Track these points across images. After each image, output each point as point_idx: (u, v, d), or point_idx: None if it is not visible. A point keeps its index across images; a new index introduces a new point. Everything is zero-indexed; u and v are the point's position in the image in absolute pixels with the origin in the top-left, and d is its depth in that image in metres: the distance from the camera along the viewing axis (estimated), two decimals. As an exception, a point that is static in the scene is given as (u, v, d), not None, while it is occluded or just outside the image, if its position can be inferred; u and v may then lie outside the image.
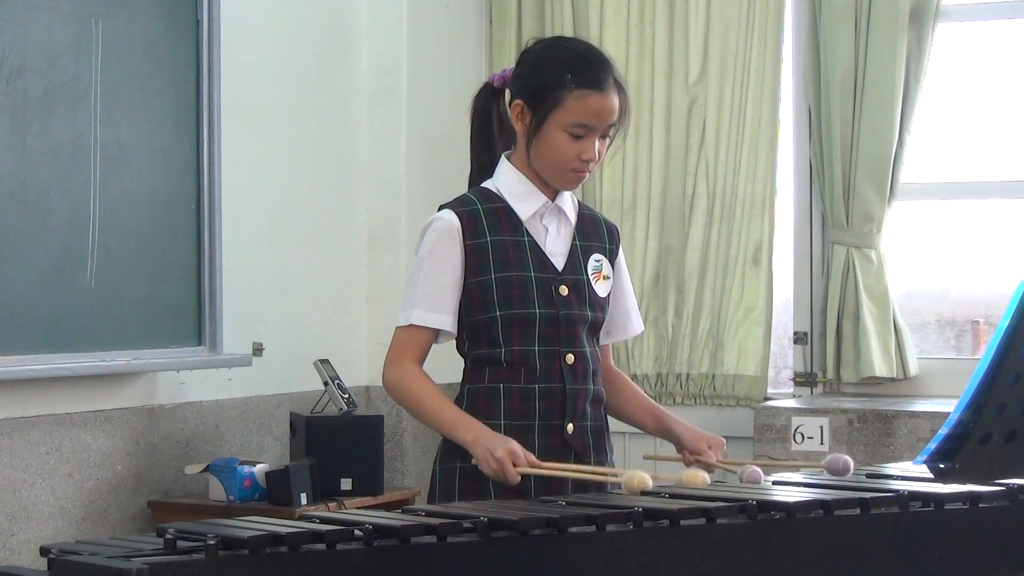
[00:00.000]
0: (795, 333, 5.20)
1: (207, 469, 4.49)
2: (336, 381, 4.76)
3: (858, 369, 4.98)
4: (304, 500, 4.40)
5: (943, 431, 2.37)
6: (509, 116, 2.99)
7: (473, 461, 2.82)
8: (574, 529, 2.29)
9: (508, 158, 3.00)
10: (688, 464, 2.96)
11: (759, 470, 2.75)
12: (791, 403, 4.84)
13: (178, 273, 4.40)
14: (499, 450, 2.76)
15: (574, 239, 3.00)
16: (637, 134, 5.28)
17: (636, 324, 3.15)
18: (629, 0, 5.30)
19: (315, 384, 4.80)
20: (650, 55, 5.27)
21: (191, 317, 4.44)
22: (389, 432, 5.01)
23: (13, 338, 3.96)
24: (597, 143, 2.91)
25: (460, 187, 5.62)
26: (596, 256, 3.03)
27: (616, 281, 3.07)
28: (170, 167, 4.38)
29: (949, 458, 2.38)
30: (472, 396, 2.96)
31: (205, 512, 4.27)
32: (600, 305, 3.01)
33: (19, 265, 3.99)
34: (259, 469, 4.48)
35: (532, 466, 2.77)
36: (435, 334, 2.96)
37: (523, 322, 2.91)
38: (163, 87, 4.37)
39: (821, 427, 4.62)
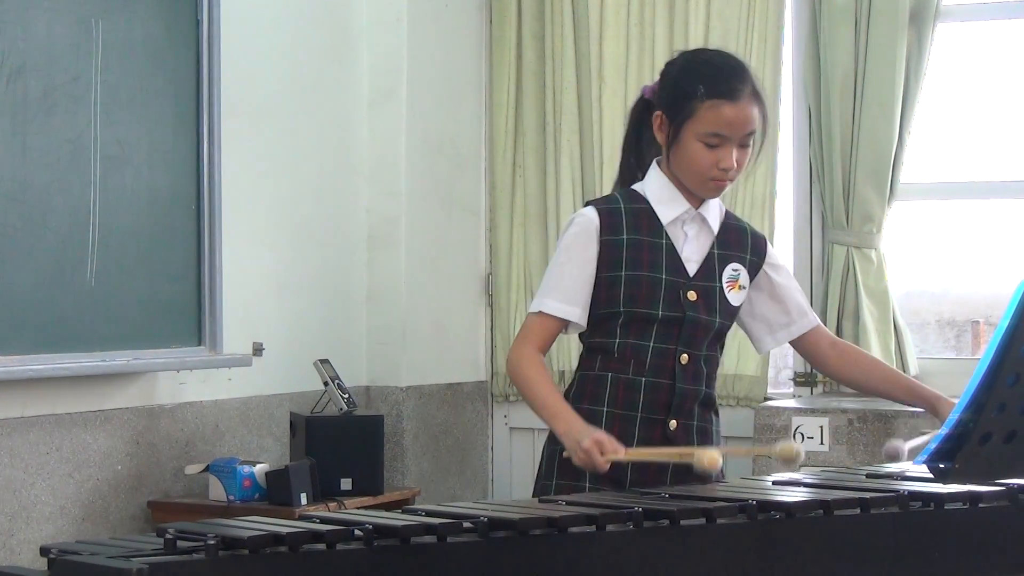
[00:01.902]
0: (795, 333, 5.19)
1: (207, 469, 4.49)
2: (336, 381, 4.77)
3: (858, 369, 4.97)
4: (304, 500, 4.40)
5: (943, 431, 2.38)
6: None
7: (565, 454, 2.90)
8: (574, 529, 2.29)
9: (658, 164, 3.07)
10: None
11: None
12: (791, 403, 4.83)
13: (178, 273, 4.40)
14: (585, 440, 2.82)
15: (713, 247, 3.07)
16: (637, 134, 5.28)
17: (812, 317, 3.20)
18: (629, 0, 5.30)
19: (315, 384, 4.80)
20: (650, 55, 5.27)
21: (191, 317, 4.44)
22: (389, 432, 5.02)
23: (13, 338, 3.96)
24: (736, 152, 2.97)
25: (460, 187, 5.66)
26: (734, 265, 3.09)
27: (774, 284, 3.14)
28: (170, 167, 4.38)
29: (949, 458, 2.38)
30: (582, 382, 3.06)
31: (205, 512, 4.27)
32: (729, 313, 3.08)
33: (19, 265, 3.99)
34: (259, 469, 4.48)
35: (622, 454, 2.83)
36: (564, 324, 3.04)
37: (644, 321, 3.00)
38: (163, 87, 4.37)
39: (821, 427, 4.62)
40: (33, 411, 4.13)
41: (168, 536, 2.05)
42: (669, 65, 3.12)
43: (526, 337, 3.06)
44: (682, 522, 2.36)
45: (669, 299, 3.01)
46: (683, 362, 3.02)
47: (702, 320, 3.03)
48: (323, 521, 2.24)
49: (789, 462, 2.86)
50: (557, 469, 3.04)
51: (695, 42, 5.21)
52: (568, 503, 2.47)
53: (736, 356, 5.15)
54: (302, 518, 2.31)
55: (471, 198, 5.55)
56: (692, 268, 3.04)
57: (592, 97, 5.33)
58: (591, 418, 2.96)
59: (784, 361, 5.29)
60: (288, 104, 4.95)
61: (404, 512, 2.40)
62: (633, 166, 3.14)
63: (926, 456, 2.41)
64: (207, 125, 4.46)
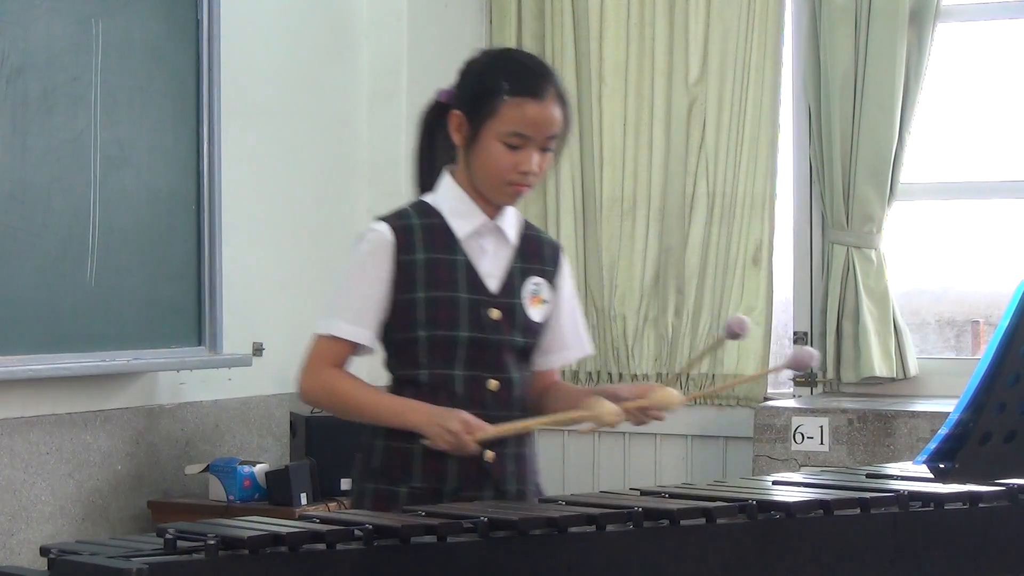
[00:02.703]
0: (795, 333, 5.20)
1: (207, 469, 4.49)
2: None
3: (858, 369, 4.98)
4: (304, 500, 4.41)
5: (943, 431, 2.38)
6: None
7: (426, 441, 2.75)
8: (574, 529, 2.29)
9: (451, 173, 2.90)
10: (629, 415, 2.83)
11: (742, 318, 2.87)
12: (791, 403, 4.83)
13: (178, 273, 4.41)
14: (452, 422, 2.71)
15: (513, 261, 2.90)
16: (637, 134, 5.29)
17: (581, 347, 3.02)
18: (629, 0, 5.30)
19: (315, 384, 4.80)
20: (650, 55, 5.27)
21: (191, 317, 4.44)
22: (389, 432, 5.01)
23: (13, 338, 3.96)
24: (537, 156, 2.81)
25: (460, 187, 5.64)
26: (535, 279, 2.91)
27: (559, 302, 2.95)
28: (170, 167, 4.39)
29: (949, 458, 2.38)
30: None
31: (205, 512, 4.27)
32: (533, 331, 2.90)
33: (19, 265, 3.99)
34: (259, 469, 4.48)
35: (490, 431, 2.73)
36: (354, 347, 2.86)
37: (447, 345, 2.82)
38: (163, 87, 4.37)
39: (821, 427, 4.62)
40: (33, 411, 4.13)
41: (168, 536, 2.05)
42: (470, 63, 2.92)
43: (320, 361, 2.85)
44: (682, 522, 2.36)
45: (471, 319, 2.83)
46: (493, 389, 2.84)
47: (505, 341, 2.85)
48: (323, 521, 2.24)
49: (665, 408, 2.74)
50: (374, 470, 2.86)
51: (695, 42, 5.21)
52: (568, 503, 2.47)
53: (736, 356, 5.16)
54: (302, 518, 2.31)
55: (471, 198, 5.54)
56: (493, 285, 2.86)
57: (592, 97, 5.33)
58: (403, 457, 2.81)
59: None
60: (288, 104, 4.95)
61: (404, 512, 2.40)
62: (426, 176, 2.94)
63: (926, 456, 2.41)
64: (207, 125, 4.46)
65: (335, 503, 4.43)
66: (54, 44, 4.06)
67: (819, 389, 5.13)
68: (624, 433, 5.27)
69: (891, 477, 2.79)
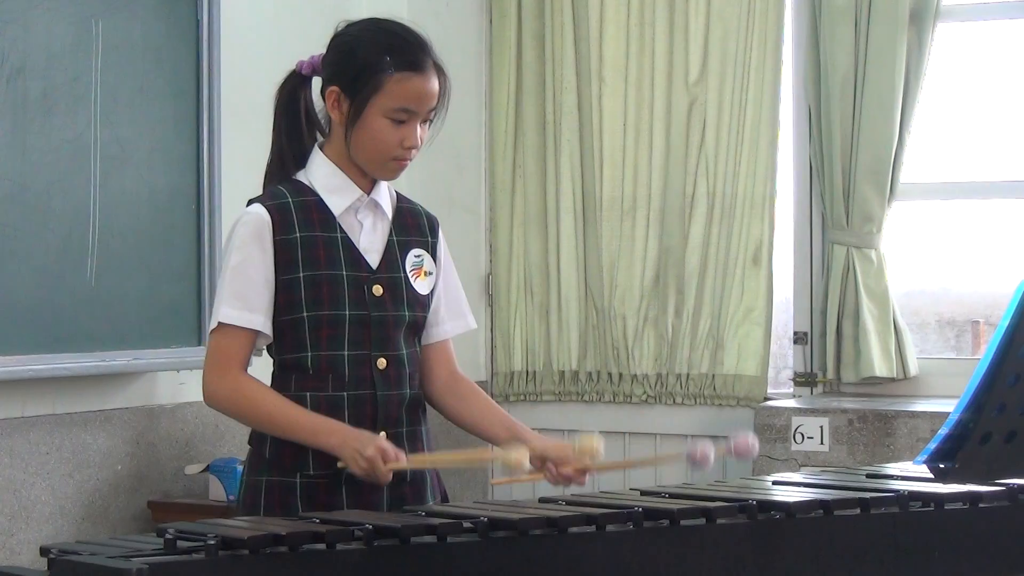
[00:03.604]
0: (795, 333, 5.20)
1: (207, 469, 4.49)
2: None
3: (858, 369, 4.98)
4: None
5: (943, 431, 2.38)
6: (317, 105, 2.86)
7: (340, 464, 2.67)
8: (574, 529, 2.29)
9: (322, 148, 2.85)
10: (552, 478, 2.78)
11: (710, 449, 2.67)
12: (791, 403, 4.83)
13: (178, 273, 4.40)
14: (368, 449, 2.63)
15: (391, 234, 2.85)
16: (637, 134, 5.29)
17: (464, 321, 2.97)
18: (629, 0, 5.30)
19: (315, 384, 4.80)
20: (650, 55, 5.27)
21: (191, 317, 4.43)
22: (389, 432, 5.01)
23: (13, 338, 3.96)
24: (419, 129, 2.77)
25: (460, 187, 5.65)
26: (416, 252, 2.87)
27: (441, 275, 2.92)
28: (170, 167, 4.38)
29: (949, 458, 2.38)
30: None
31: (205, 512, 4.27)
32: (420, 304, 2.85)
33: (19, 265, 3.99)
34: (259, 469, 4.47)
35: (403, 463, 2.66)
36: (253, 337, 2.76)
37: (332, 324, 2.76)
38: (163, 87, 4.37)
39: (821, 427, 4.62)
40: (33, 411, 4.13)
41: (168, 536, 2.05)
42: (340, 35, 2.86)
43: (223, 362, 2.74)
44: (682, 522, 2.36)
45: (354, 297, 2.76)
46: (381, 367, 2.78)
47: (391, 316, 2.79)
48: (323, 521, 2.24)
49: (590, 456, 2.69)
50: (264, 505, 2.75)
51: (695, 42, 5.21)
52: (568, 503, 2.47)
53: (736, 356, 5.16)
54: (302, 518, 2.31)
55: (471, 198, 5.55)
56: (374, 260, 2.81)
57: (592, 97, 5.33)
58: (296, 446, 2.72)
59: (784, 361, 5.29)
60: (288, 104, 4.94)
61: (404, 512, 2.40)
62: (291, 156, 2.87)
63: (926, 456, 2.41)
64: (207, 125, 4.46)
65: (335, 503, 4.43)
66: (54, 44, 4.06)
67: (819, 389, 5.13)
68: (624, 433, 5.27)
69: (891, 477, 2.79)
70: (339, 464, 2.67)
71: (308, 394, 2.77)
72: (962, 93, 5.11)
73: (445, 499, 2.92)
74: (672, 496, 2.53)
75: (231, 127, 4.56)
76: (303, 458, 2.74)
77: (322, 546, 2.11)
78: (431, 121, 2.81)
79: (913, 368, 5.02)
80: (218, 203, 4.47)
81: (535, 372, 5.41)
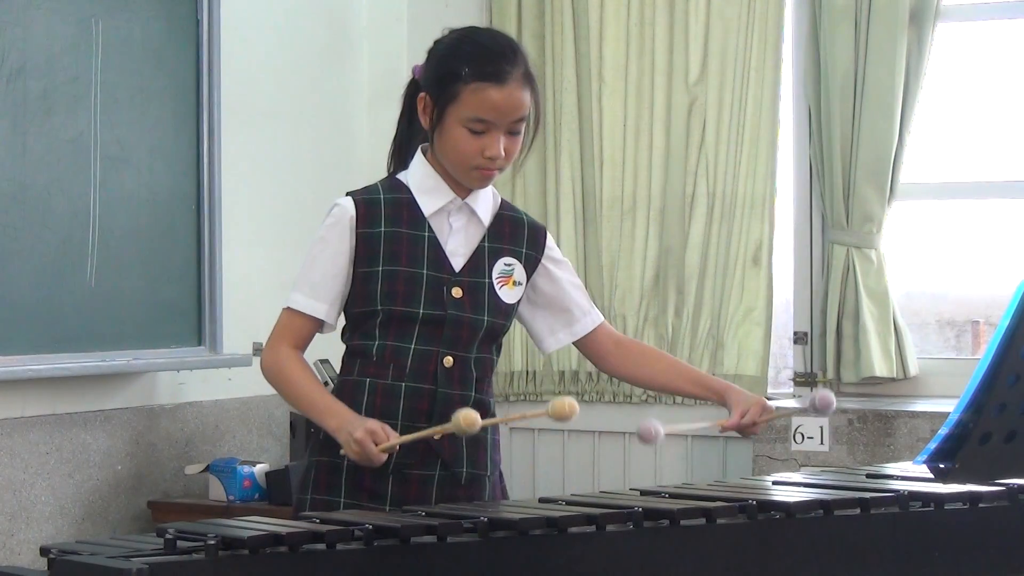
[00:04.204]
0: (795, 333, 5.20)
1: (207, 469, 4.49)
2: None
3: (858, 369, 4.98)
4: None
5: (943, 431, 2.38)
6: None
7: (342, 452, 2.70)
8: (574, 529, 2.29)
9: (424, 152, 2.88)
10: (738, 427, 2.84)
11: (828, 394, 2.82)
12: (791, 403, 4.83)
13: (178, 273, 4.41)
14: (358, 431, 2.64)
15: (483, 240, 2.87)
16: (637, 134, 5.28)
17: (595, 315, 3.01)
18: (629, 0, 5.30)
19: (315, 384, 4.80)
20: (650, 55, 5.27)
21: (191, 317, 4.44)
22: (389, 432, 5.01)
23: (13, 338, 3.96)
24: (504, 140, 2.78)
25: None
26: (507, 260, 2.88)
27: (554, 281, 2.94)
28: (170, 167, 4.39)
29: (949, 458, 2.38)
30: (340, 387, 2.87)
31: (205, 512, 4.27)
32: (503, 311, 2.86)
33: (19, 265, 3.99)
34: (259, 469, 4.48)
35: (394, 441, 2.65)
36: (318, 323, 2.85)
37: (404, 320, 2.79)
38: (163, 87, 4.37)
39: (821, 427, 4.62)
40: (33, 411, 4.13)
41: (168, 536, 2.05)
42: (437, 44, 2.89)
43: (280, 337, 2.87)
44: (682, 522, 2.36)
45: (431, 296, 2.79)
46: (447, 365, 2.80)
47: (467, 319, 2.81)
48: (323, 521, 2.24)
49: (563, 419, 2.62)
50: (312, 482, 2.84)
51: (695, 42, 5.21)
52: (568, 503, 2.47)
53: (736, 356, 5.16)
54: (302, 518, 2.31)
55: (471, 198, 5.54)
56: (458, 263, 2.83)
57: (592, 97, 5.33)
58: None
59: (784, 361, 5.29)
60: (288, 104, 4.95)
61: (404, 512, 2.40)
62: (402, 153, 2.94)
63: (926, 456, 2.41)
64: (207, 125, 4.46)
65: (335, 503, 4.43)
66: (54, 44, 4.06)
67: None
68: (624, 433, 5.27)
69: (891, 477, 2.79)
70: (341, 451, 2.70)
71: (368, 380, 2.82)
72: (962, 93, 5.11)
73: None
74: (672, 496, 2.53)
75: (231, 127, 4.56)
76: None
77: (322, 546, 2.11)
78: (519, 133, 2.81)
79: (913, 368, 5.02)
80: (218, 203, 4.47)
81: (535, 372, 5.41)
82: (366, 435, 2.63)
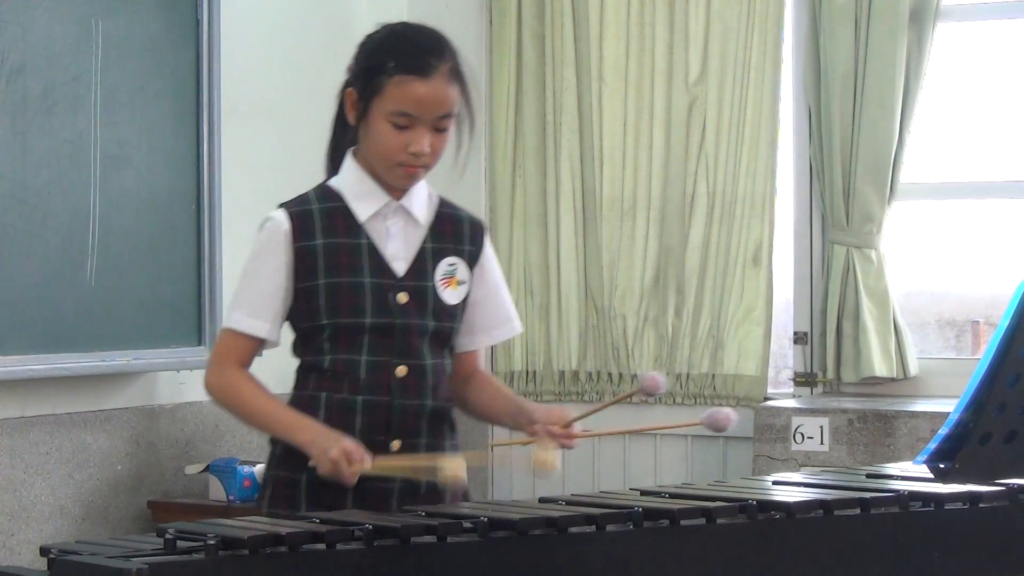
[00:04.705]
0: (795, 333, 5.20)
1: (207, 469, 4.49)
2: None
3: (858, 369, 4.98)
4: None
5: (943, 431, 2.38)
6: None
7: (311, 463, 2.65)
8: (574, 529, 2.29)
9: (353, 154, 2.82)
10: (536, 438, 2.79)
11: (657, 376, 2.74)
12: (791, 403, 4.83)
13: (178, 273, 4.40)
14: (333, 450, 2.59)
15: (424, 241, 2.80)
16: (637, 134, 5.28)
17: (509, 327, 2.93)
18: (629, 0, 5.30)
19: (315, 384, 4.80)
20: (650, 55, 5.27)
21: (191, 317, 4.44)
22: (389, 432, 5.01)
23: (13, 338, 3.96)
24: (428, 136, 2.71)
25: (460, 187, 5.63)
26: (450, 260, 2.81)
27: (481, 282, 2.85)
28: (170, 167, 4.39)
29: (949, 458, 2.39)
30: (296, 403, 2.79)
31: (205, 512, 4.27)
32: (448, 314, 2.79)
33: (19, 265, 3.99)
34: (259, 469, 4.47)
35: (368, 465, 2.61)
36: (259, 342, 2.78)
37: (351, 332, 2.73)
38: (163, 87, 4.37)
39: (821, 427, 4.62)
40: (33, 411, 4.13)
41: (168, 536, 2.05)
42: (367, 38, 2.84)
43: (224, 357, 2.79)
44: (682, 522, 2.36)
45: (376, 305, 2.72)
46: (400, 375, 2.73)
47: (414, 325, 2.74)
48: (323, 521, 2.24)
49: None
50: (271, 498, 2.78)
51: (695, 42, 5.21)
52: (568, 503, 2.47)
53: (736, 356, 5.16)
54: (302, 518, 2.31)
55: (471, 198, 5.54)
56: (400, 267, 2.76)
57: (592, 97, 5.33)
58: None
59: (784, 361, 5.29)
60: (288, 104, 4.95)
61: (404, 512, 2.40)
62: (335, 158, 2.87)
63: (926, 456, 2.41)
64: (207, 125, 4.46)
65: (335, 503, 4.43)
66: (54, 44, 4.06)
67: (819, 389, 5.13)
68: (624, 433, 5.27)
69: (891, 477, 2.79)
70: (310, 463, 2.65)
71: (323, 395, 2.76)
72: (962, 93, 5.11)
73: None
74: (672, 496, 2.53)
75: (231, 127, 4.56)
76: (310, 458, 2.71)
77: (322, 546, 2.11)
78: (446, 130, 2.75)
79: (913, 368, 5.02)
80: (218, 203, 4.47)
81: (535, 372, 5.41)
82: (342, 456, 2.59)
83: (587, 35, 5.32)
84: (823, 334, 5.06)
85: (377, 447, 2.68)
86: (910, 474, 2.77)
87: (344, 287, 2.73)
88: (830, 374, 5.05)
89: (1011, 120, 5.06)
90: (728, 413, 2.74)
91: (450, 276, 2.81)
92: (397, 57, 2.73)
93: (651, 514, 2.36)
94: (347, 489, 2.68)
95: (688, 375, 5.22)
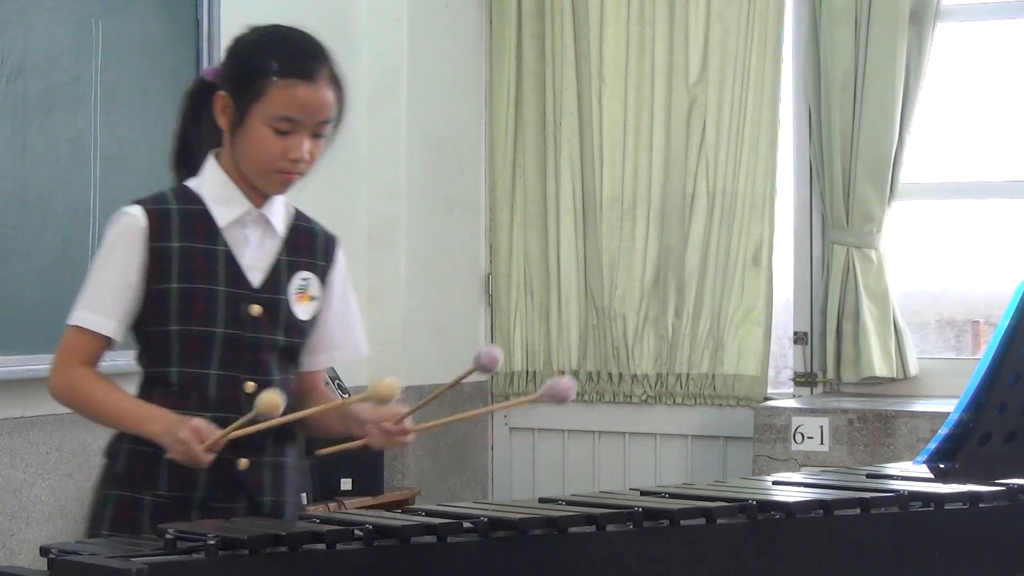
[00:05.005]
0: (795, 333, 5.20)
1: (207, 469, 4.48)
2: (336, 381, 4.76)
3: (858, 369, 4.98)
4: (304, 500, 4.39)
5: (943, 431, 2.38)
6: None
7: (168, 455, 2.53)
8: (574, 529, 2.29)
9: (216, 157, 2.71)
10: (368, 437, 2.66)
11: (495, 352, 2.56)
12: (791, 403, 4.84)
13: (178, 273, 4.40)
14: (182, 431, 2.49)
15: (281, 253, 2.71)
16: (637, 134, 5.29)
17: (355, 348, 2.84)
18: (629, 0, 5.30)
19: (315, 384, 4.80)
20: (650, 55, 5.28)
21: (191, 317, 4.43)
22: (389, 432, 5.01)
23: (13, 338, 3.96)
24: (308, 142, 2.64)
25: (460, 187, 5.66)
26: (303, 274, 2.72)
27: (331, 300, 2.77)
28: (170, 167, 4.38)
29: (949, 458, 2.38)
30: None
31: (205, 512, 4.26)
32: (298, 329, 2.71)
33: (19, 265, 3.99)
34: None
35: (216, 436, 2.51)
36: (106, 340, 2.67)
37: (202, 341, 2.63)
38: (163, 87, 4.37)
39: (821, 427, 4.62)
40: (33, 411, 4.13)
41: (168, 536, 2.05)
42: (237, 40, 2.71)
43: (69, 356, 2.66)
44: (682, 522, 2.36)
45: (229, 315, 2.63)
46: (249, 391, 2.62)
47: (265, 339, 2.66)
48: (323, 521, 2.24)
49: (385, 400, 2.50)
50: (111, 520, 2.64)
51: (695, 42, 5.22)
52: (568, 503, 2.47)
53: (736, 356, 5.16)
54: (302, 518, 2.31)
55: (471, 198, 5.55)
56: (256, 278, 2.67)
57: (592, 97, 5.33)
58: (150, 462, 2.60)
59: (784, 361, 5.30)
60: (288, 104, 4.94)
61: (404, 512, 2.40)
62: (189, 160, 2.74)
63: (926, 456, 2.41)
64: (207, 125, 4.45)
65: (335, 503, 4.43)
66: (54, 44, 4.06)
67: (819, 389, 5.14)
68: (624, 434, 5.27)
69: (891, 477, 2.79)
70: (167, 455, 2.55)
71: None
72: (962, 93, 5.11)
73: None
74: (672, 496, 2.53)
75: (231, 127, 4.56)
76: (155, 476, 2.63)
77: (322, 546, 2.11)
78: (323, 135, 2.67)
79: (913, 368, 5.03)
80: (218, 203, 4.46)
81: (535, 372, 5.41)
82: (191, 435, 2.49)
83: (587, 35, 5.33)
84: (823, 334, 5.07)
85: (222, 465, 2.59)
86: (910, 474, 2.77)
87: (198, 294, 2.64)
88: (830, 374, 5.06)
89: (1011, 120, 5.07)
90: (568, 382, 2.53)
91: (303, 291, 2.73)
92: (280, 60, 2.64)
93: (651, 514, 2.36)
94: (192, 508, 2.60)
95: (688, 375, 5.22)
